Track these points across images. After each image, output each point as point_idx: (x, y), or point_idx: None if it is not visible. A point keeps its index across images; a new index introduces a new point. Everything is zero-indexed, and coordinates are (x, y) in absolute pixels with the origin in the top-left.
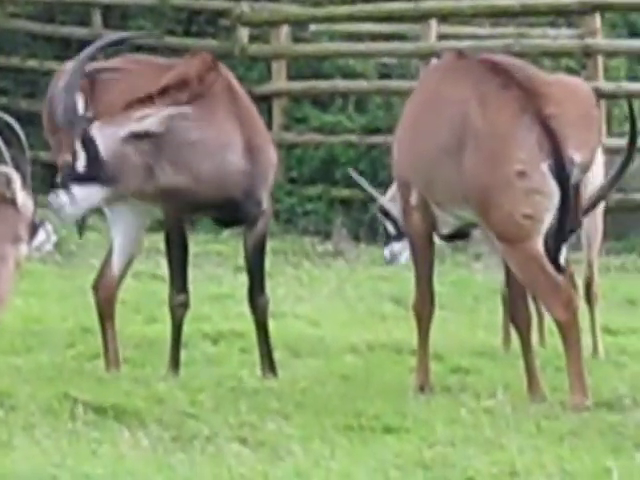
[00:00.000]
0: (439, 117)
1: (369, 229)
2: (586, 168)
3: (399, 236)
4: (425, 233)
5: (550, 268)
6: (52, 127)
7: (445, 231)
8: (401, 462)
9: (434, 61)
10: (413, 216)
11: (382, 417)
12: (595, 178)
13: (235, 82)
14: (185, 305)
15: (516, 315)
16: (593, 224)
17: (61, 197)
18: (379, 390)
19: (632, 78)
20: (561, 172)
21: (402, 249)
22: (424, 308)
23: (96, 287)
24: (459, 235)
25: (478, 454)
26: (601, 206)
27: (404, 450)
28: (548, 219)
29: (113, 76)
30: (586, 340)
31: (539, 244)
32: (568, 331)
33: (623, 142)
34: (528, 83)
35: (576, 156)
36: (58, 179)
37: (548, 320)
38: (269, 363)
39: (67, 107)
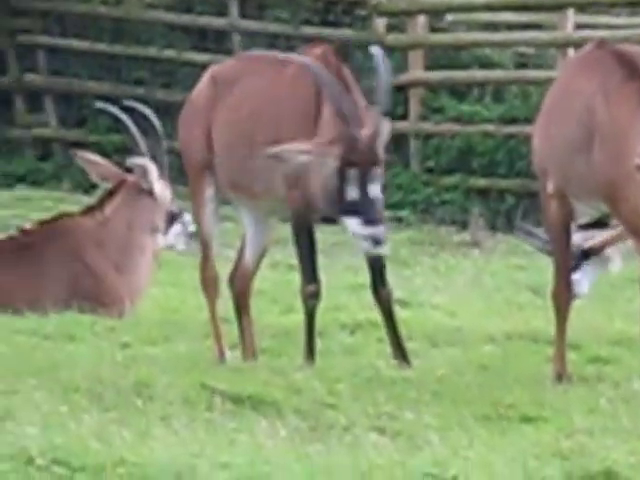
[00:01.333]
0: (570, 109)
1: (506, 219)
2: None
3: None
4: (563, 222)
5: None
6: None
7: (583, 221)
8: (539, 452)
9: (571, 51)
10: (551, 205)
11: (520, 407)
12: None
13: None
14: (316, 295)
15: None
16: None
17: None
18: (517, 380)
19: None
20: None
21: (580, 279)
22: (562, 297)
23: (232, 280)
24: (598, 225)
25: (616, 444)
26: None
27: (542, 440)
28: None
29: (231, 77)
30: None
31: None
32: None
33: None
34: None
35: None
36: None
37: None
38: (401, 352)
39: None
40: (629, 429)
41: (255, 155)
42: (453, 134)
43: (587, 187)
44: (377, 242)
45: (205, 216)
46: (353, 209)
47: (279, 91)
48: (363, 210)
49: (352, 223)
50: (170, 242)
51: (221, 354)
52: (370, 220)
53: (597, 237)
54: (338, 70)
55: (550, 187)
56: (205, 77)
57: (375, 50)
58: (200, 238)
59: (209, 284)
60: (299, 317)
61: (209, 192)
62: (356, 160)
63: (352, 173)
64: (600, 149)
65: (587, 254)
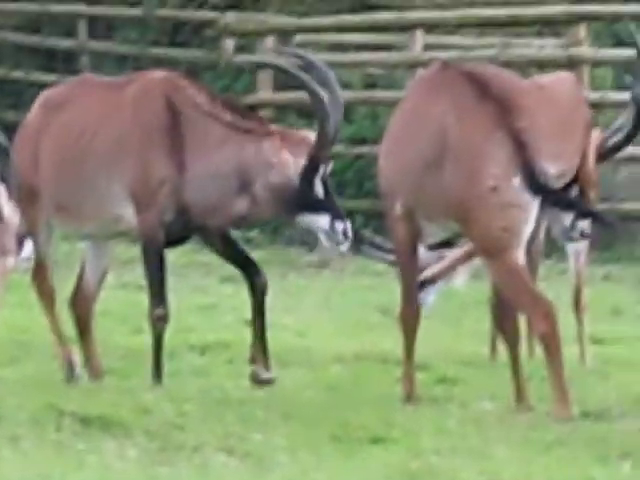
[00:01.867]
0: (422, 129)
1: (355, 240)
2: (565, 176)
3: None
4: (410, 243)
5: (530, 280)
6: None
7: (431, 241)
8: (388, 472)
9: (420, 71)
10: (398, 226)
11: (369, 427)
12: None
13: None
14: (165, 318)
15: (503, 324)
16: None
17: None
18: (366, 400)
19: (618, 87)
20: (533, 185)
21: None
22: (410, 318)
23: (73, 302)
24: (445, 244)
25: (465, 464)
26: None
27: (391, 460)
28: (526, 231)
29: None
30: (573, 349)
31: (519, 257)
32: (549, 343)
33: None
34: (503, 95)
35: (551, 168)
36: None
37: None
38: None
39: None
40: (478, 449)
41: (86, 177)
42: None
43: (439, 208)
44: (347, 236)
45: (40, 238)
46: (322, 206)
47: (117, 112)
48: (331, 206)
49: (321, 220)
50: (20, 264)
51: (69, 362)
52: (340, 215)
53: (435, 266)
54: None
55: (398, 208)
56: (37, 102)
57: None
58: (36, 258)
59: (45, 295)
60: (148, 338)
61: (41, 215)
62: (323, 156)
63: (320, 170)
64: (452, 170)
65: (424, 284)
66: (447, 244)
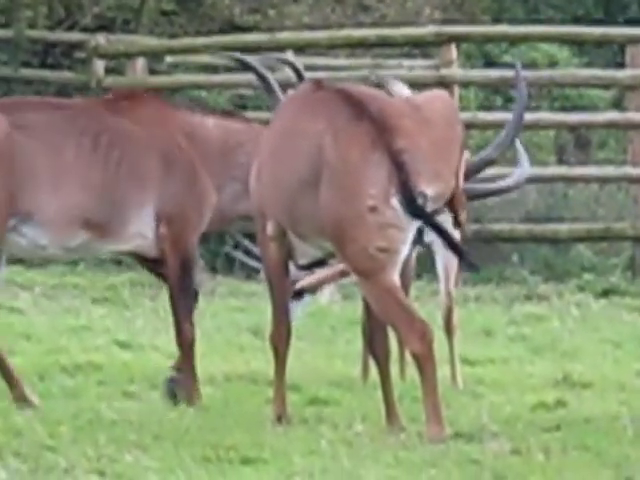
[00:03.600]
0: (297, 149)
1: (226, 261)
2: (442, 198)
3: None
4: (281, 263)
5: (405, 301)
6: None
7: (303, 261)
8: None
9: (291, 91)
10: (270, 247)
11: (240, 448)
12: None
13: None
14: None
15: (375, 346)
16: (449, 255)
17: None
18: (237, 421)
19: (486, 108)
20: (411, 206)
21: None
22: (281, 339)
23: None
24: (316, 264)
25: None
26: (457, 238)
27: None
28: (403, 252)
29: None
30: (444, 371)
31: (395, 277)
32: (424, 363)
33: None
34: (380, 116)
35: (429, 189)
36: None
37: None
38: None
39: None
40: (349, 470)
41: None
42: None
43: (313, 227)
44: None
45: None
46: None
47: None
48: None
49: None
50: None
51: None
52: None
53: (311, 276)
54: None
55: (270, 229)
56: None
57: None
58: None
59: None
60: (21, 360)
61: None
62: None
63: None
64: (329, 189)
65: (299, 294)
66: (319, 264)
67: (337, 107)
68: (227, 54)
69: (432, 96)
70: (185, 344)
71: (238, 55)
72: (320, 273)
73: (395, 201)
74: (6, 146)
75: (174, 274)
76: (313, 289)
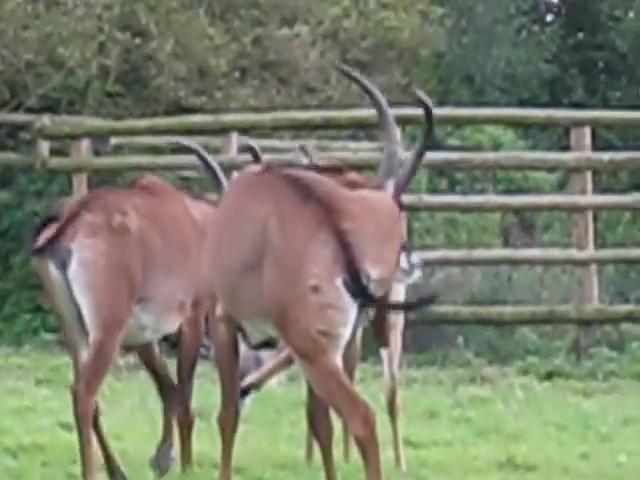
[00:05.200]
0: (241, 232)
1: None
2: (385, 283)
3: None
4: (230, 345)
5: (348, 384)
6: None
7: (254, 341)
8: None
9: (235, 174)
10: (219, 328)
11: None
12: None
13: None
14: None
15: (317, 428)
16: (393, 337)
17: None
18: None
19: (432, 190)
20: (356, 287)
21: None
22: (228, 421)
23: None
24: (268, 344)
25: None
26: (401, 320)
27: None
28: (345, 334)
29: None
30: (388, 453)
31: (336, 360)
32: (367, 446)
33: (424, 255)
34: (327, 199)
35: (373, 271)
36: None
37: None
38: None
39: None
40: None
41: None
42: None
43: (256, 310)
44: None
45: None
46: None
47: None
48: None
49: None
50: None
51: None
52: None
53: (255, 373)
54: None
55: (219, 310)
56: None
57: None
58: None
59: None
60: None
61: None
62: None
63: None
64: (271, 271)
65: (245, 392)
66: (270, 344)
67: (283, 190)
68: (173, 139)
69: (377, 192)
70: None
71: (182, 141)
72: (264, 368)
73: (339, 281)
74: (138, 234)
75: (191, 355)
76: (259, 384)
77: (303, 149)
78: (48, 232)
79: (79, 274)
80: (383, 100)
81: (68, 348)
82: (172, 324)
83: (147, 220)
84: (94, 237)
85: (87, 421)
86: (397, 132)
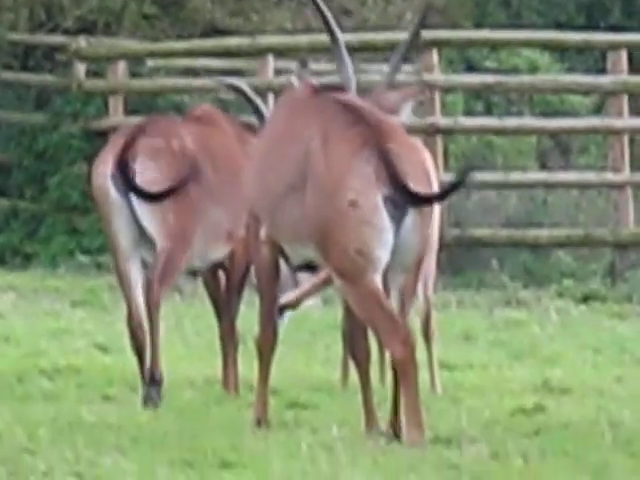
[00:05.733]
0: (286, 153)
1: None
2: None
3: None
4: (272, 267)
5: (388, 305)
6: None
7: (295, 263)
8: None
9: (272, 97)
10: (262, 251)
11: (219, 452)
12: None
13: None
14: None
15: (355, 350)
16: (428, 260)
17: None
18: (216, 425)
19: (468, 113)
20: (398, 202)
21: None
22: (267, 343)
23: None
24: (308, 267)
25: None
26: (436, 242)
27: None
28: (382, 256)
29: None
30: (424, 376)
31: (376, 280)
32: (405, 368)
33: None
34: (375, 121)
35: (413, 185)
36: None
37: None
38: None
39: None
40: (328, 475)
41: None
42: None
43: (299, 233)
44: None
45: None
46: None
47: None
48: None
49: None
50: None
51: None
52: None
53: (291, 292)
54: None
55: (262, 233)
56: None
57: None
58: None
59: None
60: (1, 362)
61: None
62: None
63: None
64: (312, 190)
65: (280, 311)
66: (309, 267)
67: (331, 113)
68: (216, 79)
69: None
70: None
71: (228, 80)
72: (300, 288)
73: (379, 197)
74: (193, 159)
75: (240, 272)
76: (294, 305)
77: (300, 69)
78: (105, 156)
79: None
80: (335, 25)
81: (121, 283)
82: (220, 253)
83: (200, 147)
84: (156, 160)
85: (157, 308)
86: (347, 58)
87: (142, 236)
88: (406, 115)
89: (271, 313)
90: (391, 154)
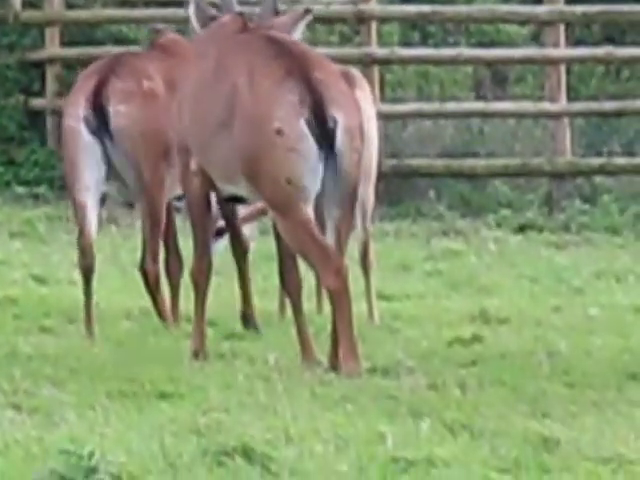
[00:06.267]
0: (215, 88)
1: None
2: (351, 134)
3: None
4: (204, 199)
5: (320, 235)
6: None
7: (224, 194)
8: (175, 428)
9: (213, 25)
10: (193, 182)
11: (157, 383)
12: (370, 146)
13: None
14: None
15: (287, 281)
16: (365, 190)
17: None
18: (154, 356)
19: (405, 43)
20: (321, 127)
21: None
22: (202, 274)
23: None
24: (237, 199)
25: (253, 420)
26: (374, 172)
27: (179, 416)
28: (310, 185)
29: None
30: (361, 306)
31: (306, 210)
32: (339, 298)
33: (396, 108)
34: (301, 52)
35: (340, 117)
36: None
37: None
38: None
39: None
40: (265, 405)
41: None
42: None
43: (229, 170)
44: None
45: None
46: None
47: None
48: None
49: None
50: None
51: None
52: None
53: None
54: None
55: (193, 164)
56: None
57: None
58: None
59: None
60: None
61: None
62: None
63: None
64: (241, 124)
65: (220, 232)
66: (239, 199)
67: (256, 47)
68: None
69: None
70: None
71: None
72: (240, 212)
73: (303, 122)
74: (164, 99)
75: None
76: (241, 224)
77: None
78: (77, 97)
79: (118, 140)
80: None
81: (76, 212)
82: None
83: (170, 85)
84: (128, 103)
85: (157, 284)
86: None
87: (109, 174)
88: (297, 37)
89: (205, 244)
90: (316, 82)
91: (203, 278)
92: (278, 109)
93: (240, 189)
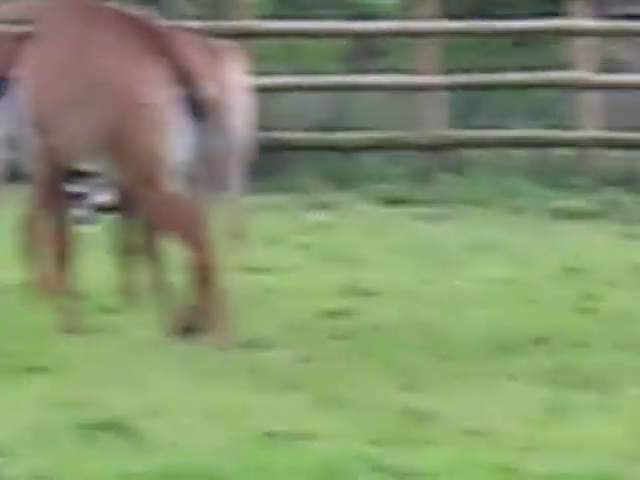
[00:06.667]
0: (75, 67)
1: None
2: (217, 106)
3: None
4: (57, 176)
5: (187, 210)
6: None
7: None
8: (43, 403)
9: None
10: (42, 162)
11: (24, 356)
12: (239, 118)
13: None
14: None
15: (149, 252)
16: (235, 162)
17: None
18: (21, 329)
19: (271, 17)
20: (187, 100)
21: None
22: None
23: None
24: (82, 174)
25: (121, 394)
26: (241, 145)
27: (46, 390)
28: (178, 158)
29: None
30: (230, 278)
31: (173, 185)
32: (205, 273)
33: (264, 81)
34: (158, 27)
35: (205, 89)
36: None
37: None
38: None
39: None
40: (134, 379)
41: None
42: None
43: (89, 150)
44: None
45: None
46: None
47: None
48: None
49: None
50: None
51: None
52: None
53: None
54: None
55: (43, 144)
56: None
57: None
58: None
59: None
60: None
61: None
62: None
63: None
64: (101, 103)
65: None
66: (83, 173)
67: (112, 25)
68: None
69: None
70: None
71: None
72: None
73: (167, 99)
74: None
75: None
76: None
77: None
78: None
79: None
80: None
81: None
82: None
83: None
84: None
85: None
86: None
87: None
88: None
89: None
90: (178, 55)
91: (69, 252)
92: (140, 85)
93: (101, 166)
